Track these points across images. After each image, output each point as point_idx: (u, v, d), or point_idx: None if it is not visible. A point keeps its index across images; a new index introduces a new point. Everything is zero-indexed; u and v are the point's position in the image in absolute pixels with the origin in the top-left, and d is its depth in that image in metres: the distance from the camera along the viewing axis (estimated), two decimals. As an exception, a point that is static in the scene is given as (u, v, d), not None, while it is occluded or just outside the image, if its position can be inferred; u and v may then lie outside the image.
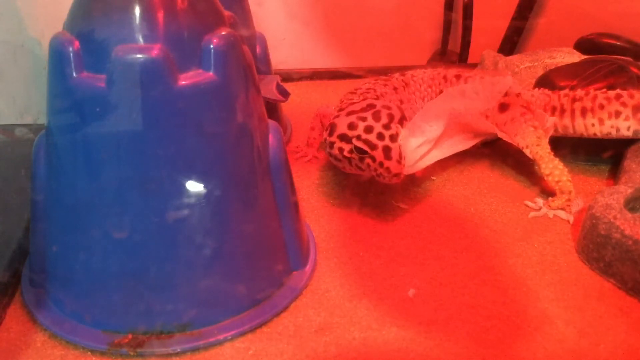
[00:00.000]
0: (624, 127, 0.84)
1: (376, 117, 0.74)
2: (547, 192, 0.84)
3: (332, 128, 0.76)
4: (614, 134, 0.85)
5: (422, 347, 0.60)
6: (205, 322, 0.61)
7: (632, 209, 0.72)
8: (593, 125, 0.86)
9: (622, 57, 0.96)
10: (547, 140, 0.84)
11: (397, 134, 0.73)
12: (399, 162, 0.72)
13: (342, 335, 0.62)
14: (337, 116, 0.78)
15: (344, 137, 0.75)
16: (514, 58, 1.12)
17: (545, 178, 0.82)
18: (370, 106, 0.77)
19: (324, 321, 0.63)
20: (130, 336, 0.60)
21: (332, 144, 0.76)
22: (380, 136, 0.73)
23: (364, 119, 0.74)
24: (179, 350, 0.59)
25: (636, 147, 0.85)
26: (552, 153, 0.82)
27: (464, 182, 0.89)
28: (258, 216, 0.64)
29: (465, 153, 0.85)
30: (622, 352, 0.59)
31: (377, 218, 0.80)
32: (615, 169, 0.89)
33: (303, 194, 0.85)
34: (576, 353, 0.59)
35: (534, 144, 0.83)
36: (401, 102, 0.89)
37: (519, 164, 0.90)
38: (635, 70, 0.92)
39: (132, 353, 0.59)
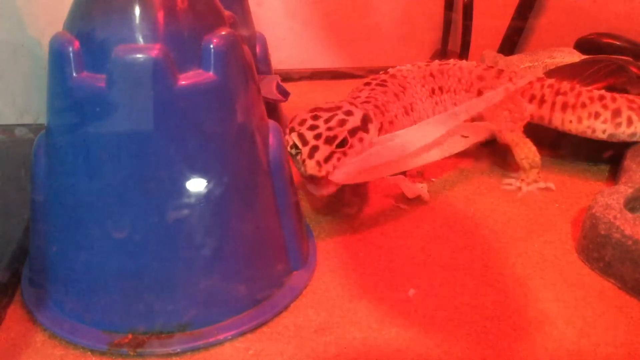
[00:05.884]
0: (600, 129, 0.84)
1: (328, 119, 0.71)
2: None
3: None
4: (589, 134, 0.86)
5: (422, 347, 0.60)
6: (205, 322, 0.61)
7: (632, 209, 0.72)
8: (570, 122, 0.86)
9: (622, 57, 0.96)
10: (522, 125, 0.85)
11: (335, 137, 0.69)
12: (319, 164, 0.67)
13: (342, 335, 0.62)
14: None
15: (291, 130, 0.72)
16: (514, 58, 1.12)
17: (519, 162, 0.84)
18: (337, 107, 0.74)
19: (324, 321, 0.63)
20: (130, 336, 0.60)
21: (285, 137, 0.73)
22: (318, 136, 0.69)
23: (316, 118, 0.72)
24: (179, 350, 0.59)
25: (636, 147, 0.85)
26: (525, 136, 0.83)
27: (464, 182, 0.89)
28: (258, 216, 0.64)
29: (465, 153, 0.85)
30: (622, 352, 0.59)
31: (377, 218, 0.80)
32: (615, 169, 0.89)
33: (303, 194, 0.85)
34: (576, 353, 0.59)
35: (508, 128, 0.83)
36: (404, 108, 0.87)
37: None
38: (635, 70, 0.92)
39: (132, 353, 0.59)
